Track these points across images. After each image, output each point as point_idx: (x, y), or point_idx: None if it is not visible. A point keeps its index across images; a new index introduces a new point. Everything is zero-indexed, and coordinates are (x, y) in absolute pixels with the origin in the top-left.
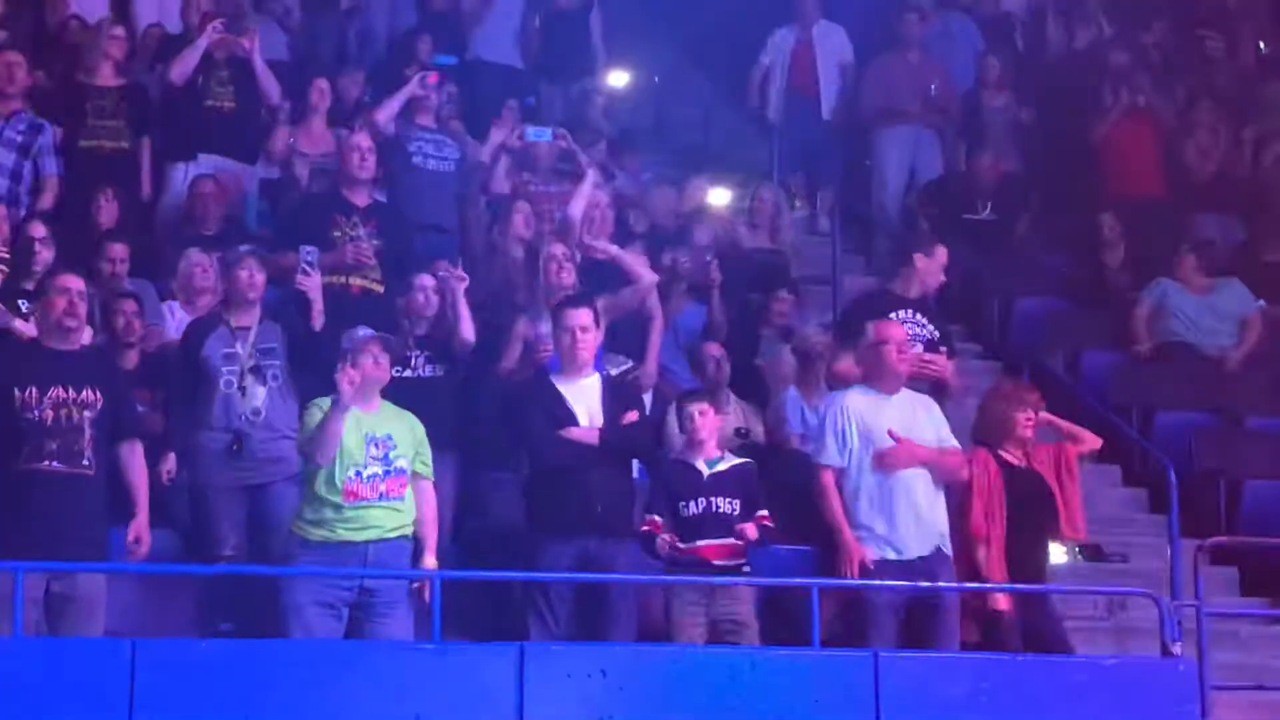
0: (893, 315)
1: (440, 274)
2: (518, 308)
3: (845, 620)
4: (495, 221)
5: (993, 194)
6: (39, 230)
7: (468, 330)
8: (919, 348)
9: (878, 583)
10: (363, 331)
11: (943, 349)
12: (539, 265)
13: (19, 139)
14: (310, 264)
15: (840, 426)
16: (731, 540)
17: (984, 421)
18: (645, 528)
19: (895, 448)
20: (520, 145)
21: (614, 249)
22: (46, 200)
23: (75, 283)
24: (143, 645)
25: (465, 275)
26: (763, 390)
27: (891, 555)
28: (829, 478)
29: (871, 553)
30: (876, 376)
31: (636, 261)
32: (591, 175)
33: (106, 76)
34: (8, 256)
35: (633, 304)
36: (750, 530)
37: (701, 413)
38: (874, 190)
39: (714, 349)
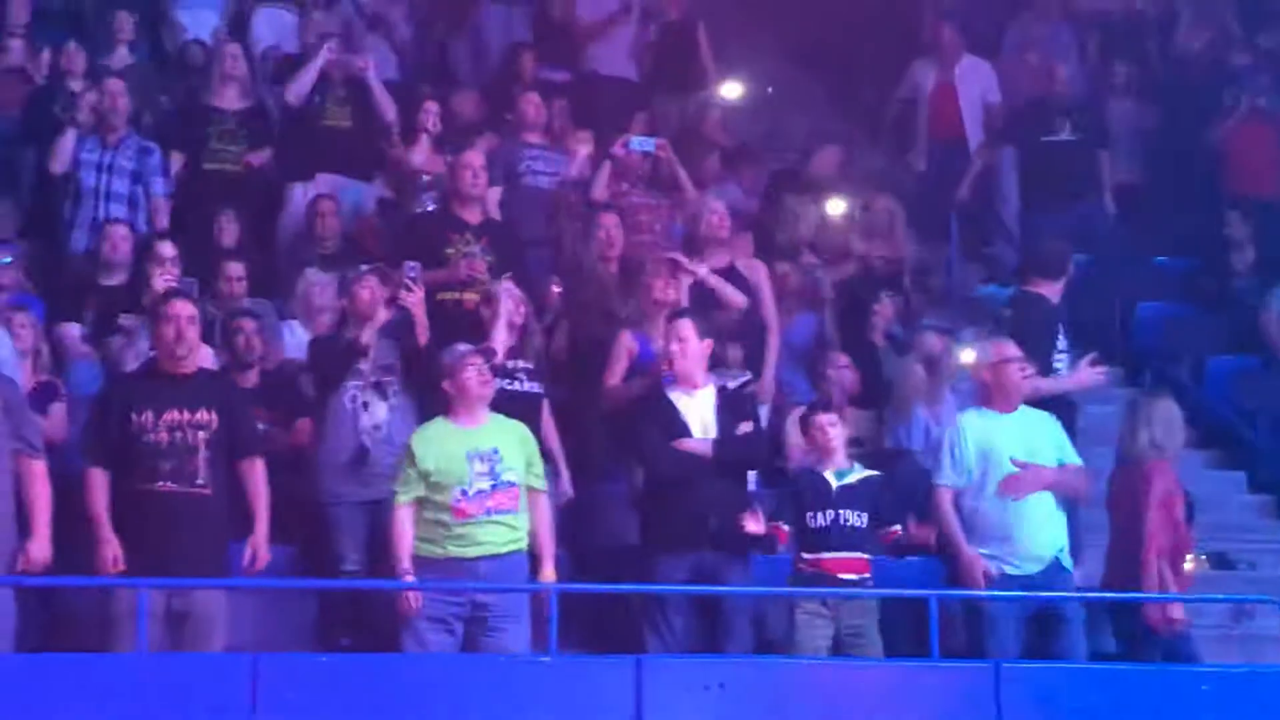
0: None
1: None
2: (616, 320)
3: (967, 633)
4: (587, 234)
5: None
6: (168, 250)
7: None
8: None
9: (995, 593)
10: (463, 346)
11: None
12: (639, 278)
13: (130, 165)
14: (413, 280)
15: (958, 448)
16: (859, 554)
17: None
18: (769, 532)
19: (1019, 476)
20: (623, 155)
21: (702, 271)
22: (160, 222)
23: (185, 308)
24: (265, 660)
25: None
26: (880, 400)
27: (1010, 570)
28: (947, 497)
29: (991, 568)
30: (996, 396)
31: (747, 267)
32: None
33: (229, 99)
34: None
35: (729, 320)
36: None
37: (831, 424)
38: (995, 200)
39: (840, 360)
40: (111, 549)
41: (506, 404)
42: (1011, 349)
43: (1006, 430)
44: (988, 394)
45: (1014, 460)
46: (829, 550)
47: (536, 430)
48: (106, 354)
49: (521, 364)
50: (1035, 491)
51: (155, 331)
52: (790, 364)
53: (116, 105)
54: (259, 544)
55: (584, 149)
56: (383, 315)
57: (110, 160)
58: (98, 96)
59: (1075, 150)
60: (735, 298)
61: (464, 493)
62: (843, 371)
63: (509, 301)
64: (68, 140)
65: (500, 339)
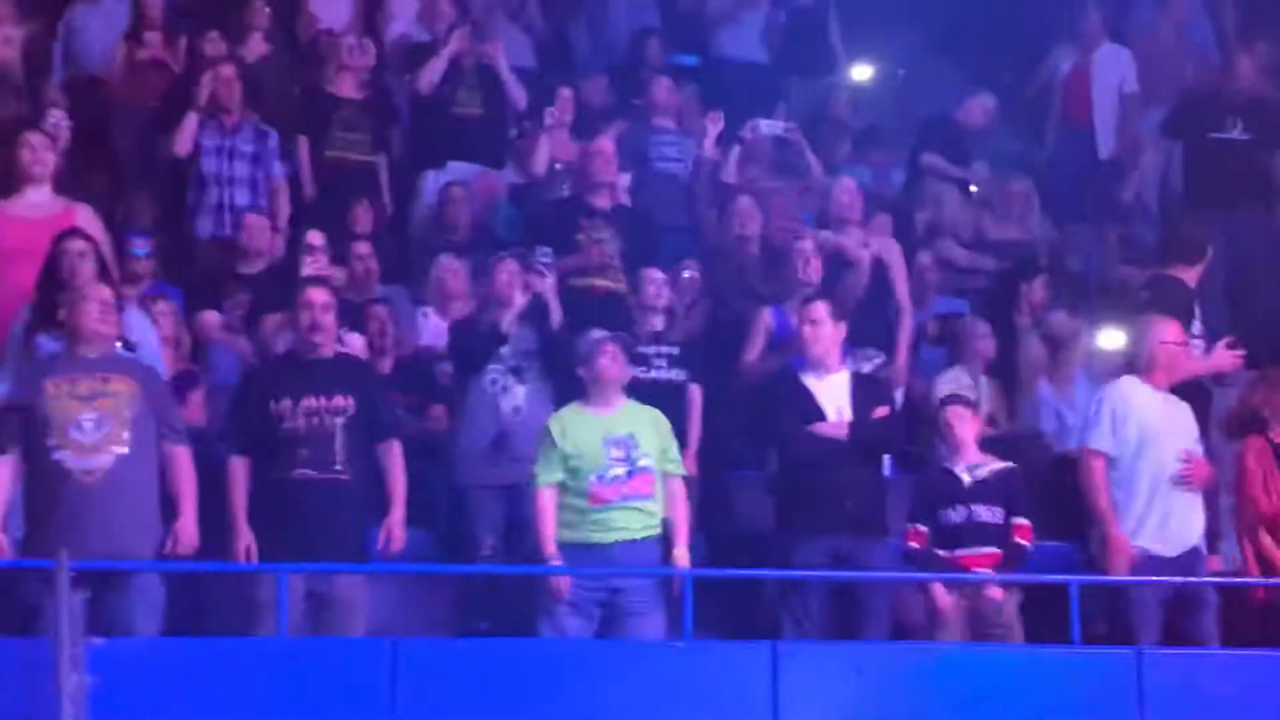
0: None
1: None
2: (759, 299)
3: (1109, 616)
4: (722, 216)
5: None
6: (317, 238)
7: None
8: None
9: (1137, 579)
10: (598, 332)
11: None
12: (779, 258)
13: (250, 149)
14: (546, 265)
15: (1117, 413)
16: (993, 549)
17: (1249, 409)
18: (910, 543)
19: (1193, 466)
20: (752, 139)
21: (825, 233)
22: (281, 204)
23: (321, 295)
24: (404, 644)
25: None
26: (1014, 382)
27: (1157, 550)
28: (1099, 463)
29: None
30: (1156, 372)
31: (872, 239)
32: None
33: (350, 88)
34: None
35: (859, 287)
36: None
37: (958, 417)
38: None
39: (976, 325)
40: (245, 542)
41: (643, 391)
42: (1177, 329)
43: (1157, 408)
44: (1146, 369)
45: (1185, 452)
46: (963, 546)
47: (678, 417)
48: (255, 341)
49: (664, 349)
50: (1207, 483)
51: (294, 317)
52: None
53: (231, 90)
54: (394, 526)
55: (713, 130)
56: (520, 300)
57: (230, 145)
58: (213, 82)
59: (1246, 150)
60: (863, 253)
61: (600, 478)
62: (984, 341)
63: (652, 287)
64: (190, 124)
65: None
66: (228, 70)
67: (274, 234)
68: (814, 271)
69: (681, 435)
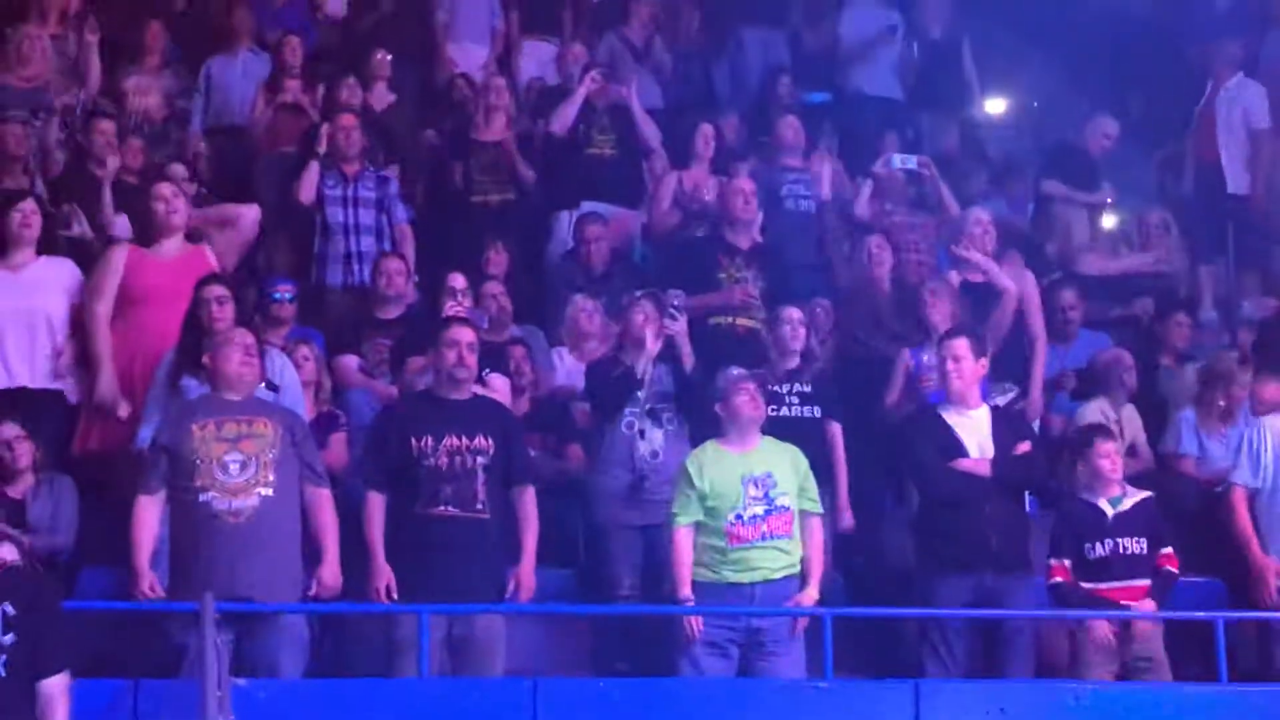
0: None
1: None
2: (895, 339)
3: (1259, 651)
4: (854, 254)
5: None
6: (459, 281)
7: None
8: None
9: None
10: (735, 370)
11: None
12: (913, 297)
13: (373, 194)
14: (678, 309)
15: (1257, 447)
16: (1142, 581)
17: None
18: (1055, 578)
19: None
20: (885, 174)
21: (978, 256)
22: (406, 249)
23: (466, 334)
24: (544, 684)
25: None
26: (1158, 415)
27: None
28: (1242, 497)
29: None
30: None
31: (1004, 272)
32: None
33: (493, 131)
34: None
35: (1005, 321)
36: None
37: (1106, 453)
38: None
39: (1122, 357)
40: (384, 578)
41: (778, 429)
42: None
43: None
44: None
45: None
46: (1110, 580)
47: (813, 454)
48: (399, 384)
49: (797, 387)
50: None
51: (436, 356)
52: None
53: (351, 139)
54: (525, 575)
55: (828, 169)
56: (655, 344)
57: (353, 193)
58: (332, 131)
59: None
60: (1010, 285)
61: (739, 517)
62: (1129, 374)
63: (788, 327)
64: (311, 173)
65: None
66: (347, 119)
67: (405, 277)
68: (940, 314)
69: (821, 474)
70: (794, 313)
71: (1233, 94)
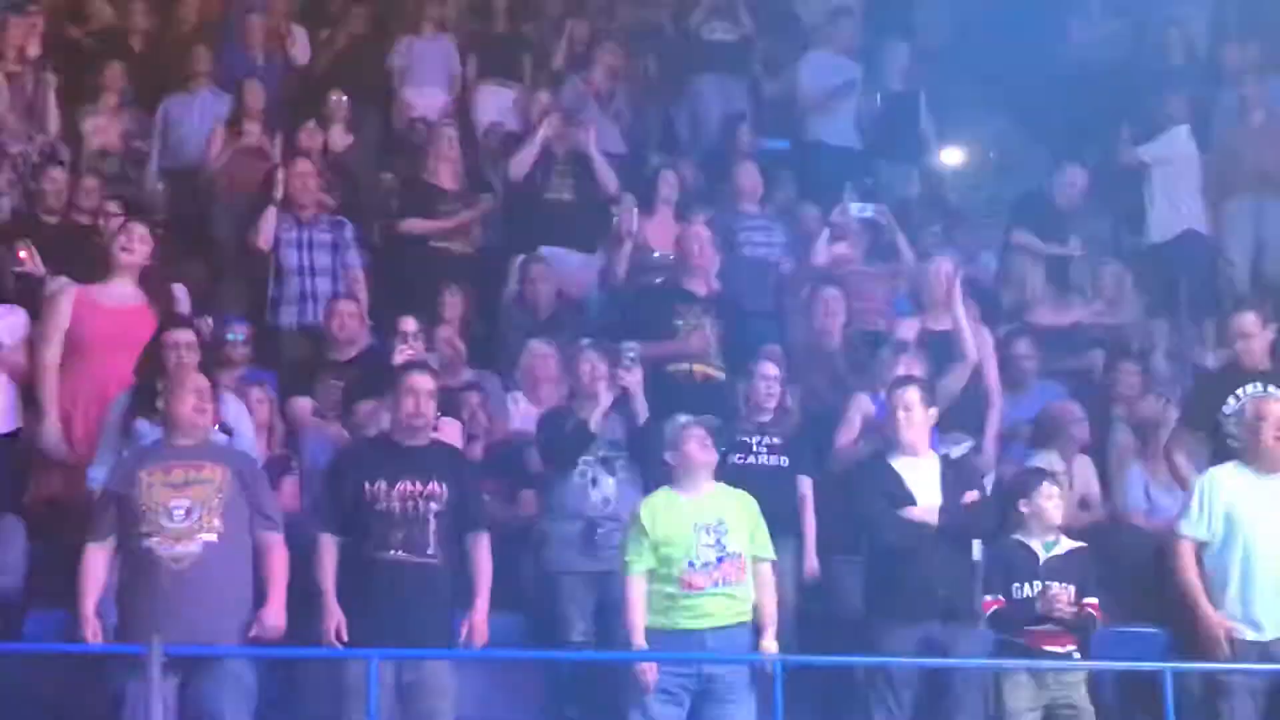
0: (1249, 389)
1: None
2: (846, 389)
3: (1203, 704)
4: (809, 303)
5: None
6: (410, 325)
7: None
8: None
9: (1237, 666)
10: (684, 417)
11: None
12: (868, 347)
13: (328, 237)
14: (631, 359)
15: (1206, 500)
16: (1064, 628)
17: None
18: (992, 606)
19: None
20: (842, 222)
21: (958, 311)
22: (361, 292)
23: (425, 382)
24: None
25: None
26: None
27: (1250, 635)
28: (1189, 550)
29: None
30: (1252, 455)
31: (972, 332)
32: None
33: (448, 178)
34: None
35: (960, 382)
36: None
37: (1048, 495)
38: (1220, 265)
39: (1071, 409)
40: (335, 621)
41: (745, 478)
42: (1270, 406)
43: (1262, 491)
44: (1249, 452)
45: None
46: (1035, 622)
47: (784, 504)
48: (349, 427)
49: (765, 439)
50: None
51: (394, 403)
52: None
53: (307, 184)
54: (478, 621)
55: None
56: (607, 397)
57: (308, 236)
58: (291, 176)
59: None
60: (971, 352)
61: (691, 565)
62: (1079, 426)
63: (764, 383)
64: (269, 221)
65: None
66: (303, 165)
67: (359, 320)
68: (905, 366)
69: (787, 524)
70: (770, 367)
71: (1172, 142)
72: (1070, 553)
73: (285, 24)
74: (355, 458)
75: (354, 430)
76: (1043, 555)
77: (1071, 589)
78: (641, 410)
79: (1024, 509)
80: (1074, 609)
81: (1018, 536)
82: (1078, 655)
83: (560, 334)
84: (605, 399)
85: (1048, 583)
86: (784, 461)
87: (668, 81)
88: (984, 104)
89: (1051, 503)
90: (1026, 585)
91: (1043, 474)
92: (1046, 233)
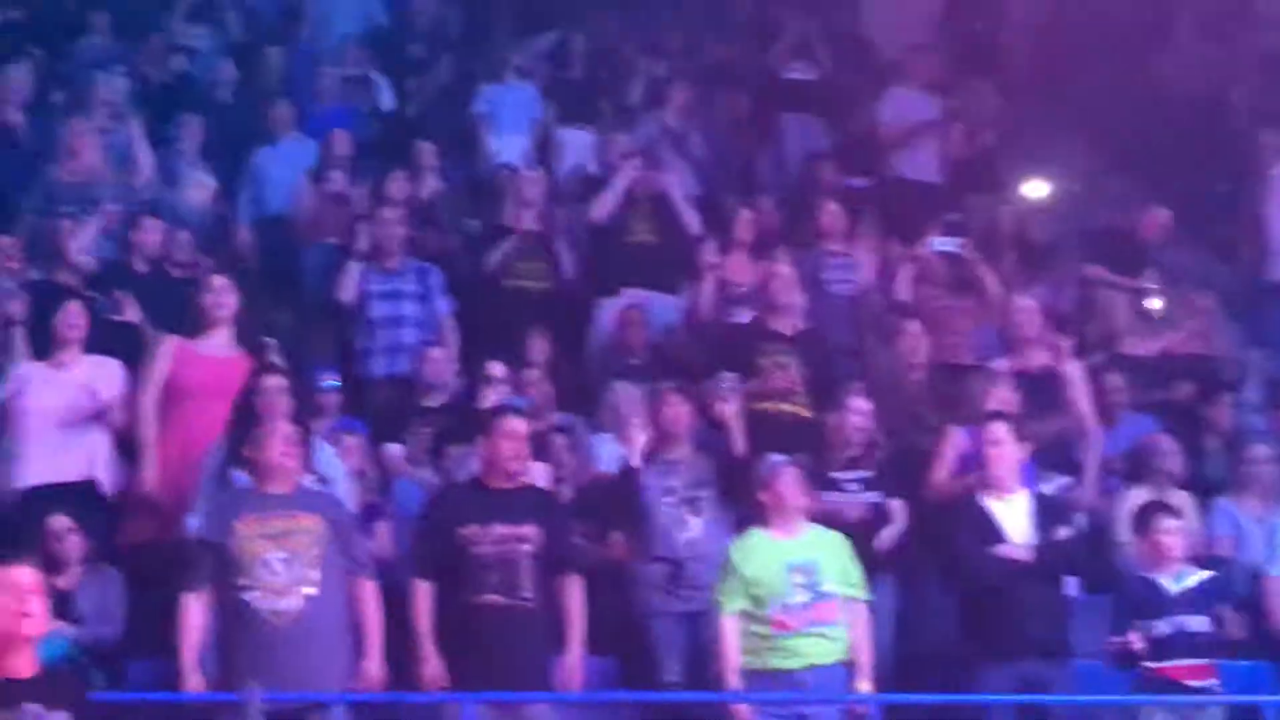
0: None
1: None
2: (929, 427)
3: None
4: (892, 340)
5: None
6: (498, 369)
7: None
8: None
9: None
10: (777, 457)
11: None
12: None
13: (413, 288)
14: (729, 389)
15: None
16: (1204, 661)
17: None
18: (1123, 643)
19: None
20: (926, 257)
21: (1068, 361)
22: (449, 339)
23: (518, 426)
24: None
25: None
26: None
27: None
28: (1277, 588)
29: None
30: None
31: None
32: None
33: (528, 220)
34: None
35: (1063, 423)
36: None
37: (1166, 530)
38: None
39: (1163, 442)
40: (433, 667)
41: (835, 517)
42: None
43: None
44: None
45: None
46: (1174, 658)
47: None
48: (440, 473)
49: (854, 475)
50: None
51: (486, 447)
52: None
53: (393, 233)
54: (573, 665)
55: (875, 255)
56: (688, 433)
57: (395, 287)
58: (375, 226)
59: None
60: (1083, 402)
61: (784, 605)
62: (1173, 459)
63: (858, 417)
64: (352, 275)
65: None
66: (389, 214)
67: (448, 365)
68: (997, 401)
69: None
70: (860, 403)
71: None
72: (1203, 584)
73: (369, 73)
74: (448, 503)
75: (445, 475)
76: (1173, 589)
77: (1206, 621)
78: (739, 442)
79: (1144, 544)
80: (1213, 639)
81: (1142, 574)
82: (1219, 689)
83: (646, 376)
84: (686, 437)
85: (1182, 617)
86: (876, 498)
87: (747, 121)
88: (1067, 135)
89: (1172, 536)
90: (1159, 622)
91: (1157, 507)
92: (1126, 266)
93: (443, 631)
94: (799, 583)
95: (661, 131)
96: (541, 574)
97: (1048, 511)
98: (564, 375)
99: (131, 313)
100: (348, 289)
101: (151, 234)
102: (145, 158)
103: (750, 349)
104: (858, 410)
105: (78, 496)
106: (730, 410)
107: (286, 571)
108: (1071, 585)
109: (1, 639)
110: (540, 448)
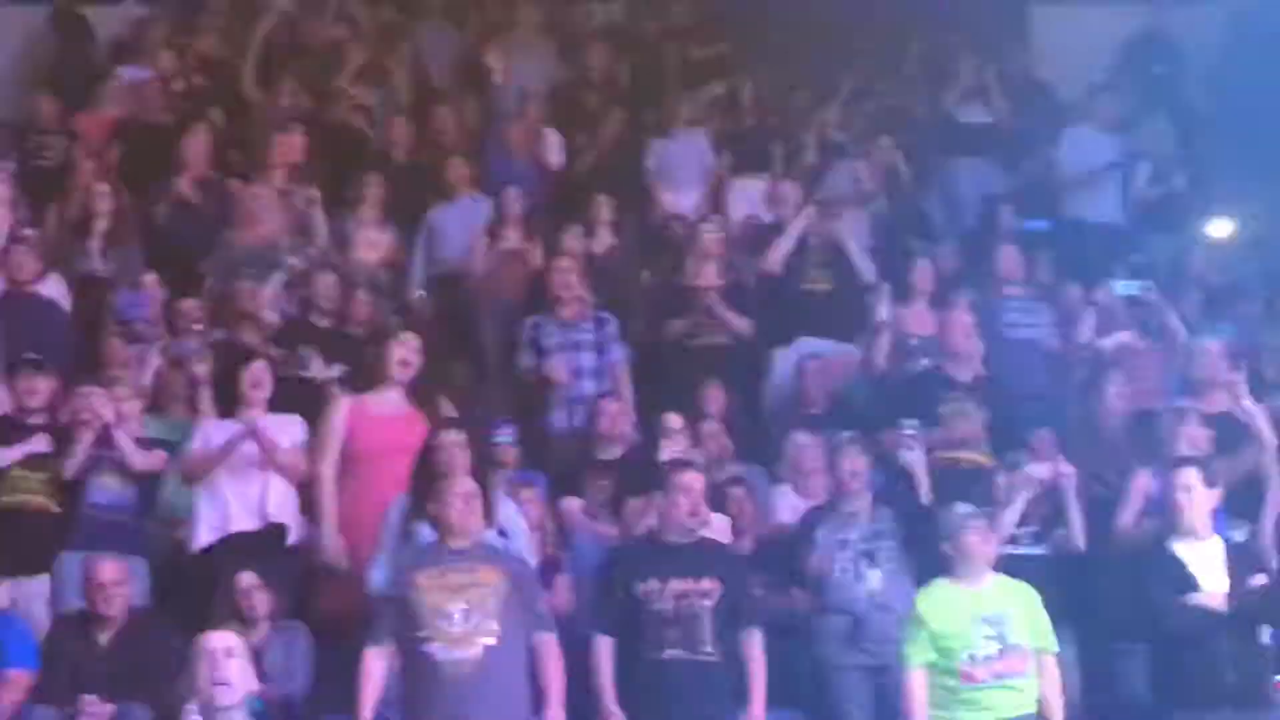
0: None
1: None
2: (1125, 470)
3: None
4: (1090, 385)
5: None
6: (675, 422)
7: (1078, 538)
8: None
9: None
10: (963, 508)
11: None
12: (1144, 426)
13: (591, 338)
14: (913, 437)
15: None
16: None
17: None
18: None
19: None
20: (1109, 301)
21: (1247, 401)
22: (625, 390)
23: (698, 480)
24: None
25: (1071, 470)
26: None
27: None
28: None
29: None
30: None
31: (1260, 418)
32: None
33: (706, 278)
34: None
35: (1249, 465)
36: None
37: None
38: None
39: None
40: None
41: (1009, 565)
42: None
43: None
44: None
45: None
46: None
47: (1058, 592)
48: (619, 526)
49: (1026, 529)
50: None
51: (664, 500)
52: None
53: (570, 284)
54: (755, 717)
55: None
56: (866, 483)
57: (572, 339)
58: (553, 279)
59: None
60: (1268, 435)
61: (971, 657)
62: None
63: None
64: (530, 340)
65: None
66: (565, 264)
67: (626, 418)
68: (1193, 443)
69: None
70: (1043, 469)
71: None
72: None
73: (539, 128)
74: (627, 557)
75: (624, 529)
76: None
77: None
78: (924, 488)
79: None
80: None
81: None
82: None
83: (824, 426)
84: (863, 490)
85: None
86: (1048, 550)
87: (921, 166)
88: (1252, 173)
89: None
90: None
91: None
92: None
93: (624, 686)
94: (987, 634)
95: (832, 179)
96: (722, 627)
97: (1241, 557)
98: (741, 426)
99: (316, 368)
100: (526, 357)
101: (329, 290)
102: (321, 218)
103: (930, 397)
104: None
105: (263, 547)
106: (915, 457)
107: (465, 622)
108: (1267, 634)
109: (202, 708)
110: (718, 500)
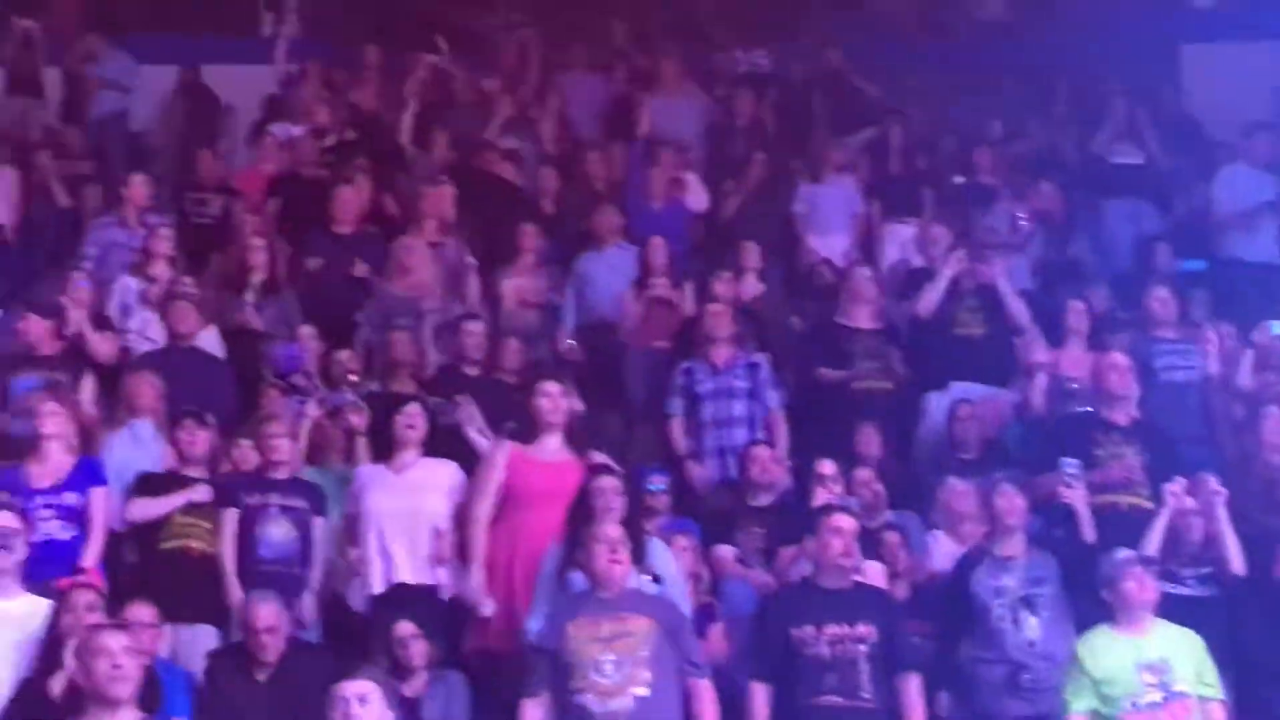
0: None
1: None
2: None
3: None
4: (1244, 427)
5: None
6: (828, 468)
7: (1236, 561)
8: None
9: None
10: (1123, 553)
11: None
12: None
13: (744, 384)
14: (1073, 476)
15: None
16: None
17: None
18: None
19: None
20: (1266, 342)
21: None
22: (779, 436)
23: (849, 523)
24: None
25: (1223, 490)
26: None
27: None
28: None
29: None
30: None
31: None
32: None
33: (864, 319)
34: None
35: None
36: None
37: None
38: None
39: None
40: None
41: (1172, 609)
42: None
43: None
44: None
45: None
46: None
47: (1212, 636)
48: (773, 574)
49: (1196, 570)
50: None
51: (817, 546)
52: None
53: (721, 329)
54: None
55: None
56: (1023, 527)
57: (725, 385)
58: (704, 324)
59: None
60: None
61: (1134, 705)
62: None
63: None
64: (680, 372)
65: (1234, 557)
66: (716, 310)
67: (778, 465)
68: None
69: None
70: (1187, 502)
71: None
72: None
73: (682, 174)
74: (781, 603)
75: (778, 575)
76: None
77: None
78: (1088, 527)
79: None
80: None
81: None
82: None
83: (978, 471)
84: (1020, 533)
85: None
86: (1212, 592)
87: (1073, 207)
88: None
89: None
90: None
91: None
92: None
93: None
94: (1150, 682)
95: (1003, 225)
96: (879, 673)
97: None
98: (895, 471)
99: (465, 413)
100: (676, 436)
101: (478, 338)
102: (473, 278)
103: (1087, 440)
104: (1182, 502)
105: (421, 600)
106: (1077, 494)
107: (617, 673)
108: None
109: None
110: (872, 546)
